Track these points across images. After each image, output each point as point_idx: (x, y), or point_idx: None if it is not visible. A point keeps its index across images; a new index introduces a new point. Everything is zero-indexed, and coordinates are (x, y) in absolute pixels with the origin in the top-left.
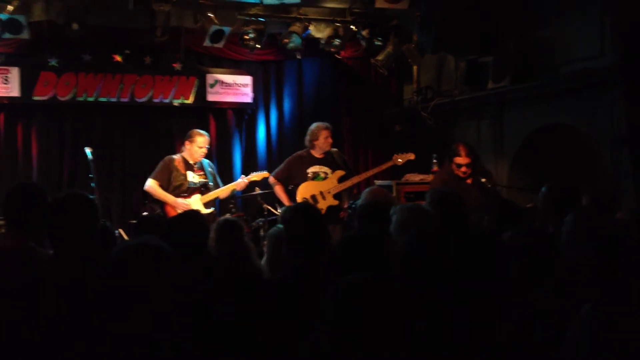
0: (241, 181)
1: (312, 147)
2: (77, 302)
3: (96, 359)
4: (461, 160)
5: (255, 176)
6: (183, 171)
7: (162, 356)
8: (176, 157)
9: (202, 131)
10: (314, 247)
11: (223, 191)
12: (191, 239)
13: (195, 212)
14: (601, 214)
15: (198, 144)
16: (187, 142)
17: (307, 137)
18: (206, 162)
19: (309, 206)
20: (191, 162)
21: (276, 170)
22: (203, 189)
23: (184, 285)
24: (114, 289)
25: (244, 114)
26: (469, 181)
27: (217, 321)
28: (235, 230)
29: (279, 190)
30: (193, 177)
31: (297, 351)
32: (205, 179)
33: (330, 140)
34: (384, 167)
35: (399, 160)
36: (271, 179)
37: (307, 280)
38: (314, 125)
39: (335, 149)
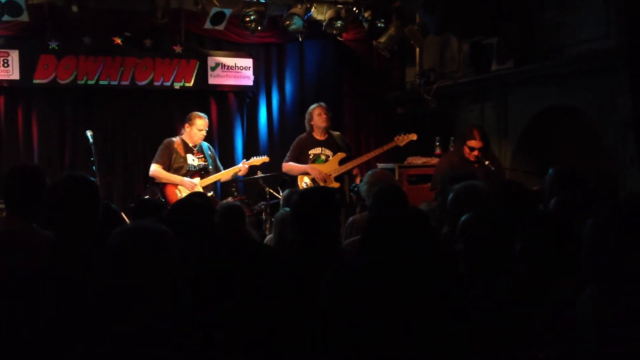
0: (242, 166)
1: (312, 129)
2: (76, 287)
3: (96, 344)
4: (475, 143)
5: (256, 161)
6: (183, 154)
7: (163, 341)
8: (176, 139)
9: (201, 114)
10: (324, 232)
11: (223, 175)
12: (196, 223)
13: (201, 195)
14: (602, 195)
15: (198, 127)
16: (186, 125)
17: (305, 121)
18: (206, 145)
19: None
20: (191, 145)
21: (286, 157)
22: (203, 172)
23: (185, 267)
24: (113, 273)
25: (245, 97)
26: (476, 165)
27: (218, 304)
28: (238, 216)
29: (292, 166)
30: (193, 160)
31: (299, 334)
32: (205, 162)
33: (324, 116)
34: (385, 148)
35: (401, 141)
36: (284, 167)
37: (314, 263)
38: (309, 108)
39: (337, 132)
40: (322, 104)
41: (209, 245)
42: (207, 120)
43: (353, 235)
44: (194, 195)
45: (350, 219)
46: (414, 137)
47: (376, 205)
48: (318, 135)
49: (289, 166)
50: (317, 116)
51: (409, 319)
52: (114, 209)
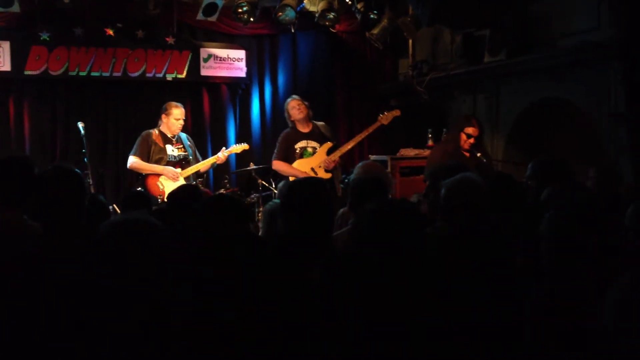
0: (220, 155)
1: (294, 123)
2: (64, 278)
3: (84, 336)
4: (473, 131)
5: (235, 149)
6: (162, 145)
7: (152, 332)
8: (153, 131)
9: (177, 103)
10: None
11: (203, 165)
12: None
13: (194, 187)
14: (604, 189)
15: (175, 116)
16: (163, 116)
17: (286, 118)
18: (184, 135)
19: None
20: (169, 135)
21: (275, 154)
22: (184, 162)
23: (175, 259)
24: (101, 265)
25: (237, 89)
26: (467, 154)
27: (209, 296)
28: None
29: (283, 166)
30: (172, 151)
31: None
32: (185, 152)
33: (297, 108)
34: (371, 129)
35: (385, 119)
36: (274, 165)
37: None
38: (285, 104)
39: (321, 122)
40: (294, 96)
41: (199, 236)
42: (183, 109)
43: (343, 227)
44: (189, 189)
45: (340, 211)
46: (397, 113)
47: (353, 197)
48: (302, 128)
49: (280, 165)
50: (292, 109)
51: (402, 313)
52: (101, 201)
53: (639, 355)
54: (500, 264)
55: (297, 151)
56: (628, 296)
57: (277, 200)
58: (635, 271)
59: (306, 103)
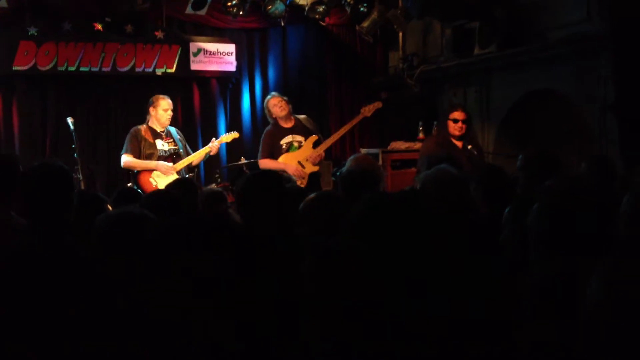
0: (212, 145)
1: (275, 120)
2: (51, 275)
3: (76, 333)
4: (458, 114)
5: (225, 137)
6: (152, 140)
7: (148, 327)
8: (141, 126)
9: (164, 95)
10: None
11: (195, 157)
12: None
13: (189, 180)
14: (599, 179)
15: (162, 107)
16: (150, 109)
17: (267, 116)
18: (173, 129)
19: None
20: (159, 129)
21: (260, 154)
22: (174, 156)
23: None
24: (92, 261)
25: (228, 83)
26: (459, 144)
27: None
28: (219, 201)
29: (271, 163)
30: (163, 145)
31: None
32: (175, 146)
33: (279, 106)
34: (354, 121)
35: (368, 111)
36: (262, 164)
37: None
38: (264, 102)
39: (303, 116)
40: (274, 93)
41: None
42: (170, 100)
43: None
44: (176, 186)
45: None
46: (379, 105)
47: (345, 189)
48: (284, 124)
49: (268, 163)
50: (273, 107)
51: (397, 309)
52: (101, 197)
53: (621, 334)
54: (490, 258)
55: (283, 147)
56: (610, 276)
57: None
58: (620, 253)
59: (286, 98)
